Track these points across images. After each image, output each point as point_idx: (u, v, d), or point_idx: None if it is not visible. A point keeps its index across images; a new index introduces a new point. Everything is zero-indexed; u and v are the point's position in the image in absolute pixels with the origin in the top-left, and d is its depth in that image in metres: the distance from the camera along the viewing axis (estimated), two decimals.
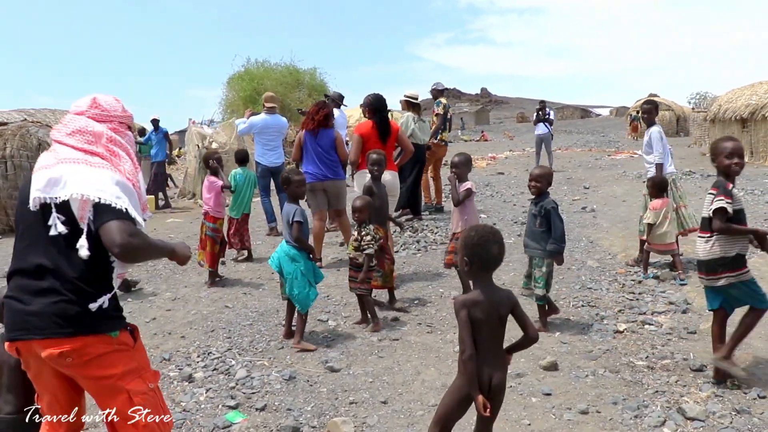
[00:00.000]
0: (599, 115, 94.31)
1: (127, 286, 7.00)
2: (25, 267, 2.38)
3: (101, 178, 2.34)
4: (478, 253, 2.82)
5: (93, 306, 2.33)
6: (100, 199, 2.28)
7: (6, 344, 2.44)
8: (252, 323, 5.71)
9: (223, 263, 7.92)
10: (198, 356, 5.00)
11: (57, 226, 2.30)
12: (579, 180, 15.43)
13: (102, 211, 2.28)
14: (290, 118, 27.59)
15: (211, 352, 5.04)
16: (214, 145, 15.49)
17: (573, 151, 25.96)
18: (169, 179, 20.23)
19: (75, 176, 2.32)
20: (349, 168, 7.93)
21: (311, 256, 5.30)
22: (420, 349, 4.95)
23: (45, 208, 2.34)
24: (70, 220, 2.32)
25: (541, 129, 17.32)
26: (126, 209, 2.32)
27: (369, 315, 5.54)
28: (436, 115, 11.08)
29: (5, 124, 13.11)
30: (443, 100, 11.23)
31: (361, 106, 7.58)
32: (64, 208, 2.32)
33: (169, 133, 16.48)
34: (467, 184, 5.87)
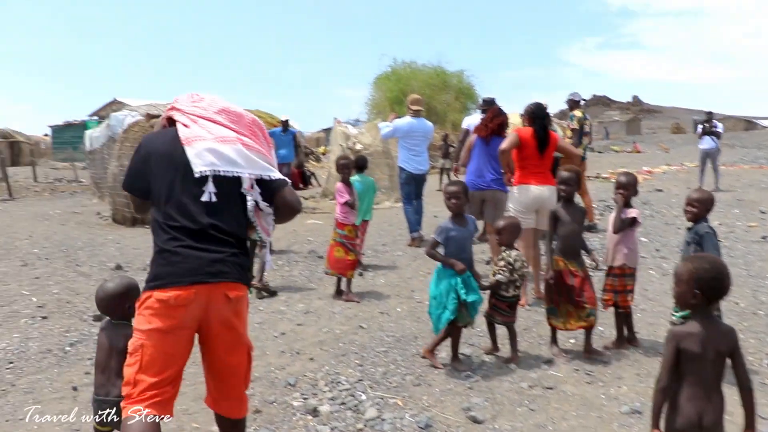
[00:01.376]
0: (766, 127, 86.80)
1: (271, 292, 6.96)
2: (195, 224, 2.64)
3: (264, 159, 2.82)
4: (713, 287, 2.67)
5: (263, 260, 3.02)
6: (270, 176, 2.80)
7: (176, 288, 2.56)
8: (387, 350, 5.18)
9: (361, 274, 7.49)
10: (326, 384, 4.53)
11: (211, 195, 2.68)
12: (752, 203, 13.74)
13: (275, 184, 2.83)
14: (436, 121, 27.20)
15: (340, 381, 4.56)
16: (358, 146, 15.28)
17: (740, 167, 23.57)
18: (312, 178, 20.42)
19: (242, 155, 2.72)
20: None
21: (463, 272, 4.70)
22: (578, 404, 4.20)
23: (203, 177, 2.67)
24: (225, 190, 2.72)
25: (707, 143, 15.72)
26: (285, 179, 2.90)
27: (511, 346, 4.96)
28: (572, 130, 10.08)
29: (159, 116, 13.51)
30: (577, 113, 10.05)
31: (521, 115, 6.95)
32: (223, 179, 2.70)
33: (317, 130, 16.45)
34: (633, 212, 5.09)
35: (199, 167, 2.65)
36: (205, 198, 2.67)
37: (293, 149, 14.62)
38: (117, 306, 3.15)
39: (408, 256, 8.75)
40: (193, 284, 2.57)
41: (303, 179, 19.78)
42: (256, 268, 6.49)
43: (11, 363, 5.12)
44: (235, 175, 2.70)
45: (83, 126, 29.85)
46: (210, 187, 2.68)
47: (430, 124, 9.93)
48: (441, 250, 4.82)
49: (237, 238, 2.74)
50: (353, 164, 7.19)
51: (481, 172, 7.20)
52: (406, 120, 9.57)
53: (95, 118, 36.82)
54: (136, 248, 10.09)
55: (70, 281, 7.86)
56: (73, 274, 8.25)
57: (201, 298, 2.60)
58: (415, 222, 9.58)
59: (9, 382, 4.71)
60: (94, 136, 17.68)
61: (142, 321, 2.62)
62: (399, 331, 5.66)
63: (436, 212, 12.76)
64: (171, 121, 2.90)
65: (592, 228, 9.95)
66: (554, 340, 5.14)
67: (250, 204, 2.79)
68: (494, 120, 7.21)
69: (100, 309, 3.27)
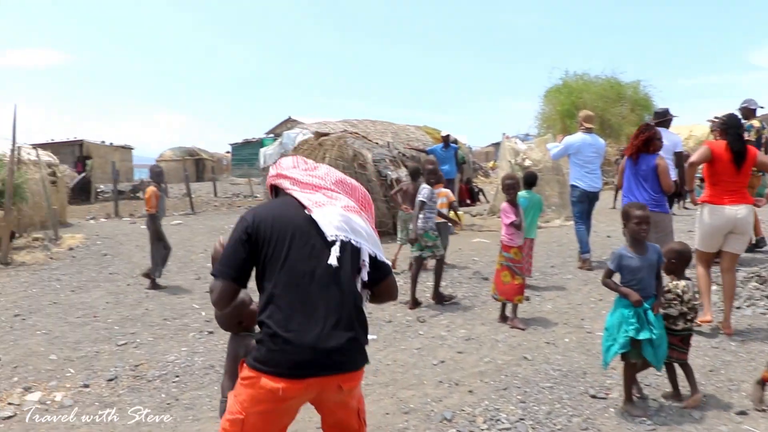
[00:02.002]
0: None
1: (444, 298, 7.21)
2: (311, 298, 2.45)
3: (375, 236, 2.68)
4: None
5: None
6: (381, 258, 2.66)
7: (284, 380, 2.39)
8: (552, 386, 4.78)
9: (528, 299, 7.10)
10: (484, 422, 4.24)
11: (335, 260, 2.49)
12: None
13: (381, 266, 2.67)
14: (610, 135, 25.87)
15: (500, 419, 4.25)
16: (527, 162, 14.79)
17: None
18: (480, 194, 20.11)
19: (364, 228, 2.63)
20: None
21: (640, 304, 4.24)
22: None
23: (329, 243, 2.52)
24: (345, 262, 2.53)
25: None
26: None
27: (690, 385, 4.39)
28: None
29: (328, 134, 13.86)
30: (756, 123, 8.89)
31: (711, 128, 6.30)
32: (347, 249, 2.55)
33: (485, 145, 16.12)
34: None
35: (331, 231, 2.52)
36: (334, 262, 2.48)
37: (455, 165, 14.43)
38: (231, 325, 3.14)
39: (578, 280, 8.21)
40: (304, 378, 2.41)
41: (471, 195, 19.55)
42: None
43: (177, 377, 5.31)
44: (360, 246, 2.58)
45: (260, 143, 31.65)
46: (336, 252, 2.50)
47: (602, 141, 9.55)
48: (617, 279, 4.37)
49: (357, 313, 2.54)
50: (520, 184, 6.80)
51: (632, 193, 6.62)
52: (579, 136, 9.21)
53: (271, 135, 38.92)
54: None
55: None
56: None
57: (313, 388, 2.46)
58: (587, 243, 9.01)
59: (173, 396, 4.87)
60: (267, 153, 18.62)
61: (246, 397, 2.48)
62: (566, 364, 5.23)
63: (609, 232, 12.01)
64: (275, 189, 2.83)
65: (760, 243, 9.17)
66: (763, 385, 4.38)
67: (362, 278, 2.61)
68: (639, 137, 6.58)
69: (220, 327, 3.24)
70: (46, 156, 16.99)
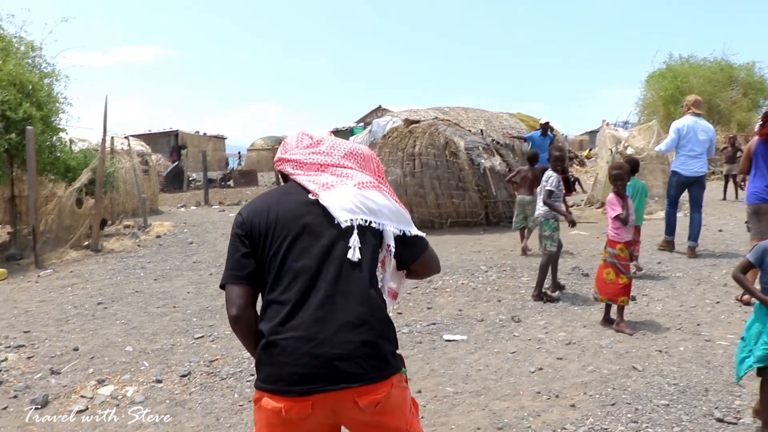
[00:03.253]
0: None
1: (560, 287, 7.03)
2: (316, 298, 2.04)
3: (401, 210, 2.28)
4: None
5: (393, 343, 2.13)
6: (412, 232, 2.26)
7: (285, 399, 1.99)
8: (669, 404, 4.16)
9: (633, 299, 6.45)
10: None
11: (355, 251, 2.09)
12: None
13: (415, 241, 2.27)
14: (719, 121, 24.24)
15: None
16: (629, 150, 13.85)
17: None
18: (577, 183, 19.17)
19: (386, 205, 2.23)
20: None
21: None
22: None
23: (343, 230, 2.12)
24: (368, 248, 2.14)
25: None
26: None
27: None
28: None
29: (418, 122, 13.40)
30: None
31: None
32: (367, 235, 2.15)
33: (580, 133, 15.27)
34: None
35: (344, 216, 2.11)
36: (355, 256, 2.08)
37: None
38: None
39: (690, 279, 7.43)
40: (309, 394, 1.98)
41: (567, 185, 18.63)
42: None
43: (252, 375, 5.01)
44: (383, 228, 2.18)
45: (350, 132, 31.52)
46: (355, 241, 2.09)
47: (711, 126, 9.05)
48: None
49: (375, 312, 2.07)
50: (628, 174, 6.13)
51: (766, 181, 6.19)
52: (687, 119, 8.73)
53: (361, 124, 38.81)
54: None
55: None
56: None
57: (323, 406, 2.01)
58: (674, 225, 9.01)
59: (247, 397, 4.56)
60: (357, 141, 18.39)
61: (258, 422, 2.13)
62: (683, 378, 4.58)
63: (720, 225, 11.05)
64: (285, 177, 2.39)
65: None
66: None
67: (392, 263, 2.24)
68: None
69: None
70: (138, 146, 17.34)
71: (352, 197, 2.15)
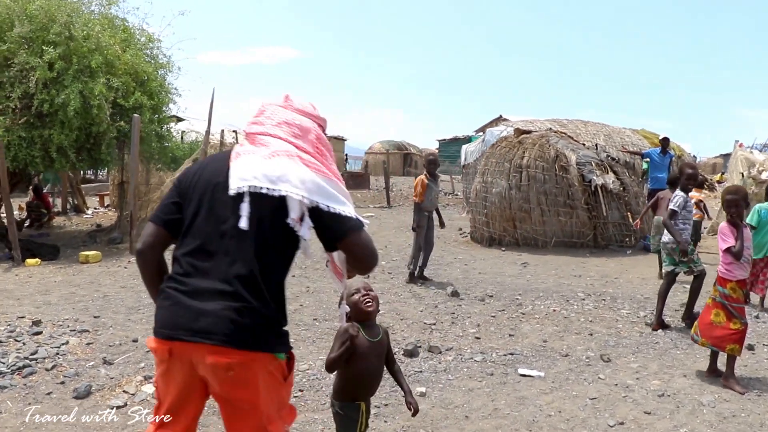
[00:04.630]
0: None
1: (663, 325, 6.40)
2: (204, 259, 2.11)
3: (319, 182, 2.09)
4: None
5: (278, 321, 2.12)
6: (333, 208, 2.07)
7: (155, 340, 2.14)
8: None
9: (751, 348, 5.53)
10: None
11: (243, 219, 2.05)
12: None
13: (335, 220, 2.08)
14: None
15: None
16: (764, 175, 12.47)
17: None
18: (703, 208, 17.63)
19: (296, 173, 2.08)
20: None
21: None
22: None
23: (237, 198, 2.08)
24: (263, 218, 2.07)
25: None
26: (361, 219, 2.13)
27: None
28: None
29: (529, 132, 12.65)
30: None
31: None
32: (263, 203, 2.06)
33: (713, 156, 13.94)
34: None
35: (236, 183, 2.08)
36: (242, 224, 2.04)
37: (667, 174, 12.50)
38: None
39: None
40: (169, 339, 2.07)
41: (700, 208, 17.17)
42: None
43: (300, 391, 4.61)
44: (281, 195, 2.04)
45: (468, 140, 30.90)
46: (245, 210, 2.05)
47: None
48: None
49: (256, 283, 2.05)
50: (747, 200, 5.16)
51: None
52: None
53: (480, 134, 38.08)
54: (482, 272, 9.33)
55: (401, 301, 7.36)
56: (407, 294, 7.76)
57: (181, 356, 2.08)
58: None
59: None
60: (469, 150, 17.82)
61: None
62: None
63: None
64: None
65: None
66: None
67: (303, 236, 2.10)
68: None
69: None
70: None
71: (254, 165, 2.09)
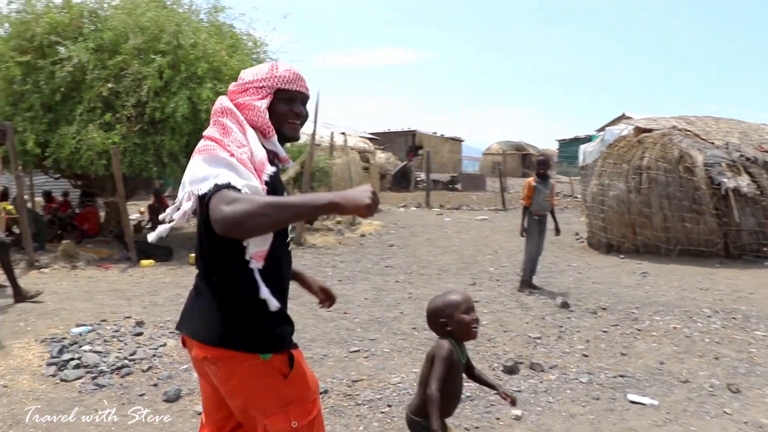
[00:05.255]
0: None
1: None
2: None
3: (199, 168, 1.99)
4: None
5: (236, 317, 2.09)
6: (198, 191, 1.97)
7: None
8: None
9: None
10: None
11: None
12: None
13: (203, 199, 1.97)
14: None
15: None
16: None
17: None
18: None
19: (189, 168, 2.07)
20: None
21: None
22: None
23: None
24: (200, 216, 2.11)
25: None
26: (224, 183, 1.89)
27: None
28: None
29: (650, 130, 11.79)
30: None
31: None
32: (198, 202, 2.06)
33: None
34: None
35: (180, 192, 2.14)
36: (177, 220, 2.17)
37: None
38: (432, 323, 2.85)
39: None
40: (180, 332, 2.26)
41: None
42: None
43: (389, 407, 4.33)
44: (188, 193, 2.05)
45: (587, 141, 29.69)
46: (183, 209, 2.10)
47: None
48: None
49: (210, 283, 2.13)
50: None
51: None
52: None
53: (600, 133, 36.54)
54: (596, 281, 8.72)
55: (507, 311, 6.95)
56: (514, 304, 7.32)
57: (187, 347, 2.23)
58: None
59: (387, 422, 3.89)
60: (587, 150, 16.96)
61: None
62: None
63: None
64: None
65: None
66: None
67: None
68: None
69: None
70: (361, 143, 17.52)
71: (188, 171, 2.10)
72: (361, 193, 1.79)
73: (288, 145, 10.04)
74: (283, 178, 9.66)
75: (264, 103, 2.12)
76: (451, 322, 2.67)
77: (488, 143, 47.33)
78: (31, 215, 9.56)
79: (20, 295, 6.93)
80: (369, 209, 1.78)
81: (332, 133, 14.91)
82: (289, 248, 2.28)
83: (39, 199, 13.18)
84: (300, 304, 7.02)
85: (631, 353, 5.58)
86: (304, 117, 2.22)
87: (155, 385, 4.66)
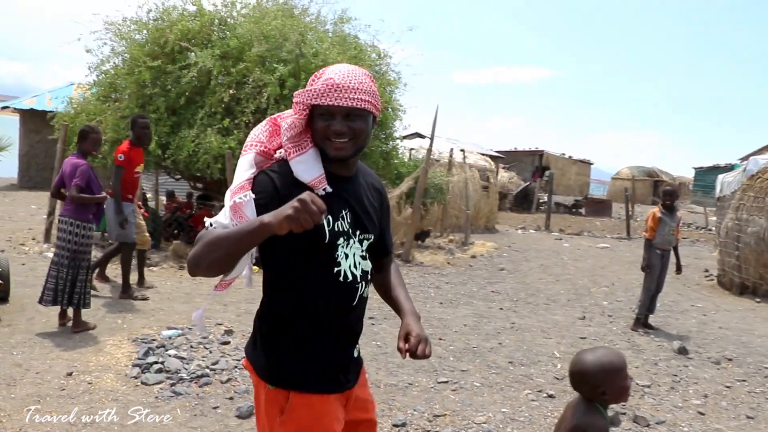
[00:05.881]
0: None
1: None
2: None
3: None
4: None
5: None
6: None
7: None
8: None
9: None
10: None
11: None
12: None
13: None
14: None
15: None
16: None
17: None
18: None
19: None
20: None
21: None
22: None
23: None
24: None
25: None
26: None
27: None
28: None
29: None
30: None
31: None
32: None
33: None
34: None
35: None
36: None
37: None
38: (583, 386, 2.33)
39: None
40: None
41: None
42: None
43: None
44: None
45: (728, 170, 27.69)
46: None
47: None
48: None
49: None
50: None
51: None
52: None
53: (744, 162, 34.03)
54: (723, 326, 7.87)
55: (628, 348, 6.37)
56: (624, 344, 6.70)
57: None
58: None
59: None
60: (726, 180, 15.74)
61: None
62: None
63: None
64: None
65: None
66: None
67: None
68: None
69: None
70: (482, 160, 17.10)
71: None
72: (287, 204, 1.67)
73: (405, 158, 9.80)
74: (396, 193, 9.54)
75: (288, 122, 1.97)
76: (611, 389, 2.26)
77: (618, 167, 45.40)
78: (151, 214, 9.88)
79: (126, 293, 7.11)
80: (290, 220, 1.64)
81: (452, 150, 14.61)
82: (344, 278, 2.03)
83: (163, 198, 13.73)
84: (395, 326, 6.77)
85: (760, 417, 4.89)
86: (351, 133, 1.93)
87: (231, 398, 4.56)
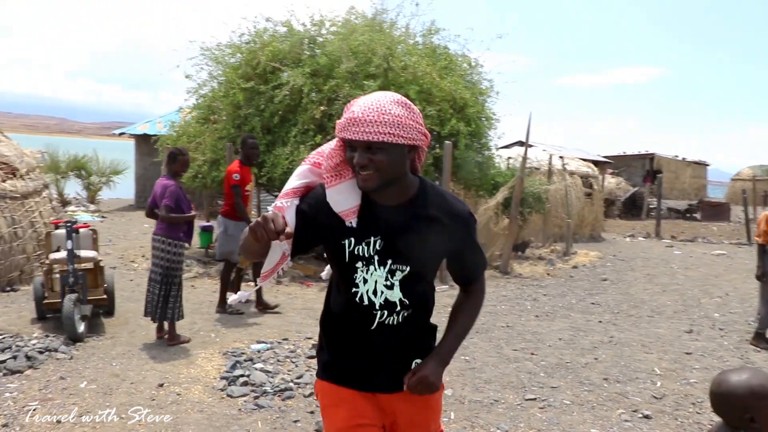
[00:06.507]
0: None
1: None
2: None
3: None
4: None
5: None
6: None
7: None
8: None
9: None
10: None
11: None
12: None
13: None
14: None
15: None
16: None
17: None
18: None
19: None
20: None
21: None
22: None
23: None
24: None
25: None
26: None
27: None
28: None
29: None
30: None
31: None
32: None
33: None
34: None
35: None
36: None
37: None
38: (728, 410, 2.00)
39: None
40: None
41: None
42: None
43: None
44: None
45: None
46: None
47: None
48: None
49: None
50: None
51: None
52: None
53: None
54: None
55: (723, 369, 5.92)
56: (737, 360, 6.23)
57: None
58: None
59: None
60: None
61: None
62: None
63: None
64: None
65: None
66: None
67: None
68: None
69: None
70: (584, 167, 16.54)
71: None
72: (263, 220, 1.82)
73: (502, 166, 9.60)
74: (491, 203, 9.32)
75: (327, 150, 2.09)
76: (761, 415, 1.95)
77: (739, 167, 42.79)
78: None
79: (222, 307, 7.33)
80: (251, 231, 1.83)
81: (551, 156, 14.23)
82: (360, 300, 2.11)
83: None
84: (486, 340, 6.63)
85: None
86: (373, 165, 1.93)
87: (312, 412, 4.58)
